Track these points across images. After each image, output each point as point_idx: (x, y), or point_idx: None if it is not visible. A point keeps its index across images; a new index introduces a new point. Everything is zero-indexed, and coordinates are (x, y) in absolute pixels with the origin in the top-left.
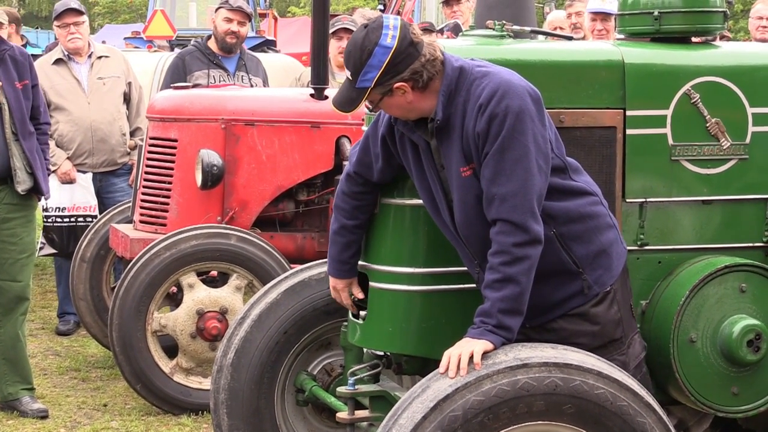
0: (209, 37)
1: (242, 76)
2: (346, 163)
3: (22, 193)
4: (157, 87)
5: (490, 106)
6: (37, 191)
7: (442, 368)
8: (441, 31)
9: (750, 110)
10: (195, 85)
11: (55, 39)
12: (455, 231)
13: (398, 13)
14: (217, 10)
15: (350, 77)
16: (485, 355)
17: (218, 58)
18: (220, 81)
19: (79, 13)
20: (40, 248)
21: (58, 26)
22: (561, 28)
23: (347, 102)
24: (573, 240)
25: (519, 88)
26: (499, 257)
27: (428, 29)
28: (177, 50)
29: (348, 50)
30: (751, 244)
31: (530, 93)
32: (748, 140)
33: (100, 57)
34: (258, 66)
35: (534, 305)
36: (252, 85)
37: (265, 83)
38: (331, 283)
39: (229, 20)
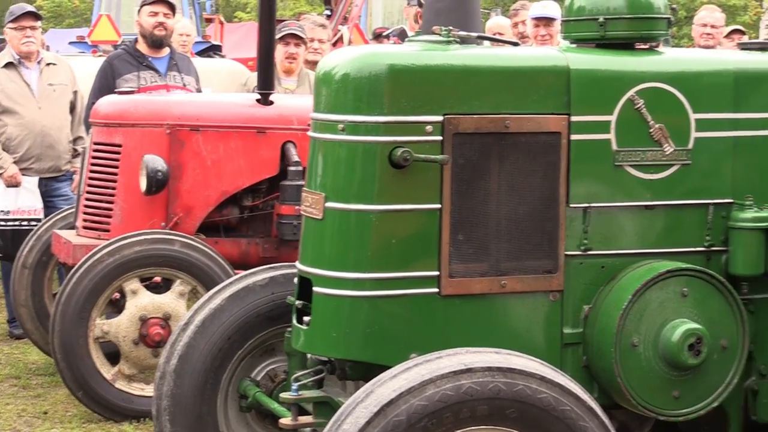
0: (137, 40)
1: (174, 75)
2: (291, 168)
3: None
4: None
5: None
6: None
7: None
8: (387, 37)
9: (693, 116)
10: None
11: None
12: None
13: (345, 19)
14: (139, 10)
15: None
16: (430, 360)
17: (148, 60)
18: (151, 82)
19: (36, 17)
20: None
21: (13, 28)
22: (500, 34)
23: None
24: None
25: None
26: None
27: (382, 35)
28: None
29: None
30: (692, 249)
31: None
32: (690, 146)
33: (48, 64)
34: (189, 65)
35: None
36: (184, 85)
37: (198, 82)
38: None
39: (154, 13)
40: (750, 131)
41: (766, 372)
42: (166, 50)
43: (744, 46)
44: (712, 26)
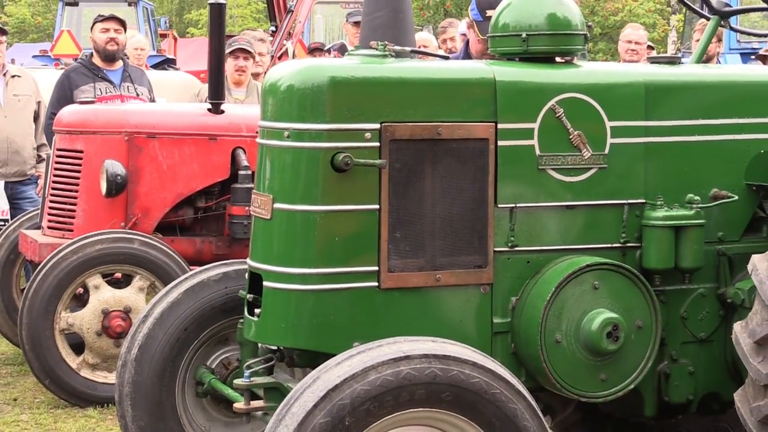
0: (92, 54)
1: (128, 86)
2: (241, 172)
3: None
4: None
5: None
6: None
7: None
8: (328, 51)
9: (608, 124)
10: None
11: None
12: None
13: (289, 34)
14: (92, 28)
15: None
16: (372, 348)
17: (103, 72)
18: (106, 93)
19: (2, 32)
20: None
21: None
22: (425, 47)
23: None
24: None
25: None
26: None
27: (319, 48)
28: None
29: None
30: (610, 245)
31: None
32: (606, 151)
33: (13, 76)
34: (142, 76)
35: None
36: (138, 95)
37: (151, 92)
38: None
39: (106, 30)
40: (660, 137)
41: (677, 357)
42: (120, 63)
43: (653, 60)
44: (637, 42)
